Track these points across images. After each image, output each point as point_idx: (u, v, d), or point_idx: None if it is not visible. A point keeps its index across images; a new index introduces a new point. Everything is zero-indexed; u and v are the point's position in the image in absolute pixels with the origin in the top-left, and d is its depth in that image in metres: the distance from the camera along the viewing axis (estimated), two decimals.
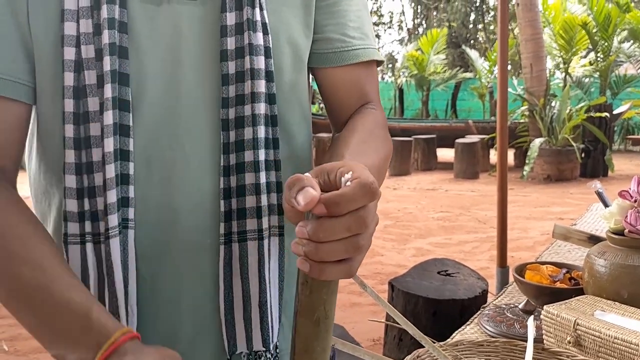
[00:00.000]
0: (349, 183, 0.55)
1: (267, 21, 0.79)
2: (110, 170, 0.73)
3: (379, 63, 0.92)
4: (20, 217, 0.72)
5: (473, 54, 14.84)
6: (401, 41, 23.57)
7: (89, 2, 0.73)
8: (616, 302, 0.98)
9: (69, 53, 0.72)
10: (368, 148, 0.83)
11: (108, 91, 0.72)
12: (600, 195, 1.22)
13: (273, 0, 0.81)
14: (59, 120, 0.74)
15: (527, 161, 8.71)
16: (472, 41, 21.04)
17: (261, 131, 0.78)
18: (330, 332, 0.62)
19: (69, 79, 0.73)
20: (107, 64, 0.72)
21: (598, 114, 9.11)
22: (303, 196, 0.53)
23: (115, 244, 0.74)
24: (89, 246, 0.75)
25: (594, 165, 9.30)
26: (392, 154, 0.91)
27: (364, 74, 0.91)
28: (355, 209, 0.55)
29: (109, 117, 0.72)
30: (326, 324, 0.61)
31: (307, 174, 0.57)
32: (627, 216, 1.01)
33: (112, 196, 0.73)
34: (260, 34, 0.78)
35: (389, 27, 24.49)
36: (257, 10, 0.78)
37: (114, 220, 0.73)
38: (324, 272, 0.56)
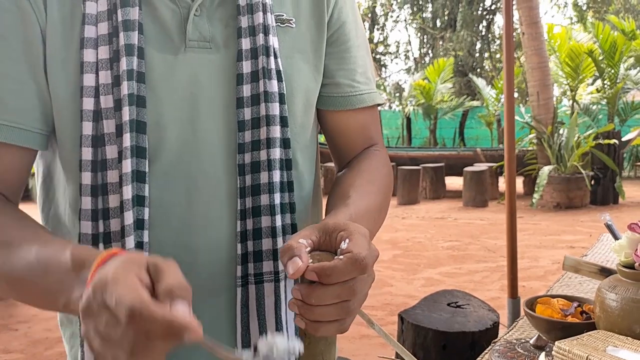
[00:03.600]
0: (341, 257, 0.62)
1: (281, 68, 0.81)
2: (129, 217, 0.74)
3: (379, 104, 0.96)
4: (11, 212, 0.75)
5: (480, 82, 14.90)
6: (408, 70, 23.75)
7: (108, 55, 0.75)
8: (629, 338, 0.96)
9: (88, 103, 0.74)
10: (372, 188, 0.86)
11: (127, 140, 0.74)
12: (609, 227, 1.21)
13: (286, 47, 0.83)
14: (78, 168, 0.76)
15: (536, 189, 8.66)
16: (478, 69, 21.18)
17: (276, 175, 0.80)
18: None
19: (88, 128, 0.74)
20: (126, 114, 0.74)
21: (607, 141, 9.08)
22: (291, 266, 0.61)
23: None
24: None
25: (604, 193, 9.24)
26: (392, 189, 0.95)
27: (369, 117, 0.94)
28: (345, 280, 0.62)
29: (127, 166, 0.74)
30: None
31: (301, 239, 0.65)
32: (637, 249, 1.00)
33: (130, 242, 0.74)
34: (275, 82, 0.80)
35: (396, 57, 24.72)
36: (272, 58, 0.80)
37: None
38: (318, 330, 0.64)
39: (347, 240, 0.64)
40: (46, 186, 0.84)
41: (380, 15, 23.58)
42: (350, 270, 0.62)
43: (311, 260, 0.63)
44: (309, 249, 0.65)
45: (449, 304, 2.43)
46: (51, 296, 0.65)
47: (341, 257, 0.62)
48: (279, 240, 0.80)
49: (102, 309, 0.52)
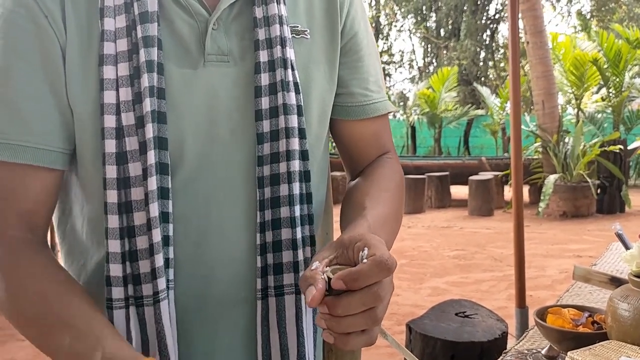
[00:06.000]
0: (365, 260, 0.62)
1: (298, 80, 0.81)
2: (157, 234, 0.73)
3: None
4: (58, 279, 0.74)
5: (484, 91, 14.92)
6: (412, 79, 23.79)
7: (128, 71, 0.74)
8: None
9: (110, 121, 0.74)
10: (387, 196, 0.87)
11: (151, 157, 0.73)
12: (620, 237, 1.21)
13: (301, 58, 0.83)
14: (100, 185, 0.75)
15: (542, 197, 8.64)
16: (482, 78, 21.19)
17: (296, 188, 0.80)
18: None
19: (111, 146, 0.74)
20: (149, 131, 0.73)
21: (612, 148, 9.06)
22: (308, 295, 0.61)
23: (164, 306, 0.75)
24: (132, 310, 0.75)
25: (610, 201, 9.20)
26: (404, 196, 0.97)
27: (382, 125, 0.95)
28: (370, 285, 0.61)
29: (152, 183, 0.73)
30: None
31: (316, 262, 0.65)
32: None
33: (160, 260, 0.74)
34: (293, 94, 0.80)
35: (400, 66, 24.77)
36: (290, 70, 0.80)
37: (162, 283, 0.74)
38: (348, 343, 0.63)
39: (365, 249, 0.64)
40: (62, 202, 0.84)
41: (384, 25, 23.66)
42: (376, 273, 0.61)
43: (332, 272, 0.63)
44: (326, 268, 0.64)
45: (457, 314, 2.42)
46: None
47: (365, 260, 0.62)
48: (300, 252, 0.80)
49: None
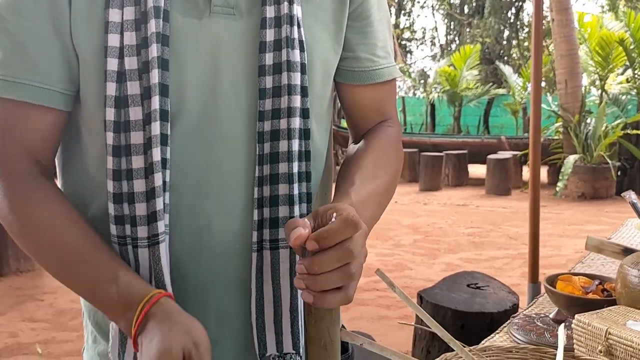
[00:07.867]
0: (334, 219, 0.68)
1: (303, 38, 0.82)
2: (158, 179, 0.75)
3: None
4: (59, 207, 0.78)
5: (507, 69, 14.72)
6: (433, 57, 23.54)
7: (134, 16, 0.75)
8: None
9: (112, 64, 0.75)
10: (379, 171, 0.89)
11: (155, 103, 0.74)
12: (634, 205, 1.20)
13: (307, 16, 0.84)
14: (101, 128, 0.76)
15: (560, 178, 8.57)
16: (505, 57, 20.89)
17: (295, 144, 0.81)
18: (338, 355, 0.73)
19: (112, 88, 0.75)
20: (154, 76, 0.74)
21: (635, 131, 8.93)
22: (294, 235, 0.66)
23: (163, 249, 0.76)
24: (130, 249, 0.77)
25: (630, 184, 9.09)
26: (401, 166, 0.97)
27: (386, 91, 0.95)
28: (342, 242, 0.66)
29: (156, 128, 0.75)
30: (333, 348, 0.72)
31: (305, 219, 0.70)
32: None
33: (160, 203, 0.75)
34: (297, 51, 0.81)
35: (422, 43, 24.49)
36: (295, 28, 0.81)
37: (161, 226, 0.76)
38: (325, 301, 0.67)
39: (334, 214, 0.68)
40: (67, 146, 0.85)
41: (407, 1, 23.35)
42: (343, 229, 0.66)
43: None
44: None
45: (468, 285, 2.43)
46: (100, 307, 0.78)
47: (334, 220, 0.67)
48: (296, 208, 0.81)
49: None
